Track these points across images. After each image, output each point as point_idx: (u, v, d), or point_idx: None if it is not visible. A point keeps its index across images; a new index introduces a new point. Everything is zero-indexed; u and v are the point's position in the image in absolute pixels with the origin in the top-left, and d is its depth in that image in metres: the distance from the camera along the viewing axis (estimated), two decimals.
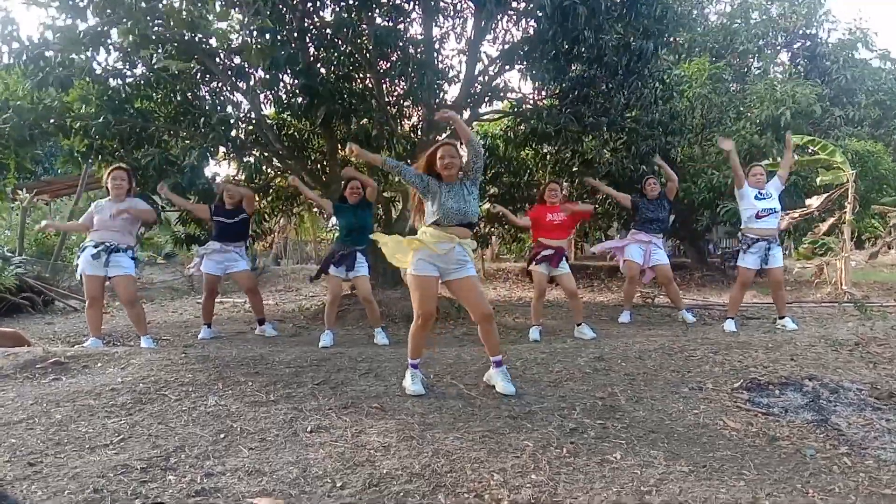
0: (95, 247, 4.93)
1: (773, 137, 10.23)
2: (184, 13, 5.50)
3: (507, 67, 7.93)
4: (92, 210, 5.12)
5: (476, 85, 7.81)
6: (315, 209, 10.95)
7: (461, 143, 3.51)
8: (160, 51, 6.08)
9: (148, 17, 5.57)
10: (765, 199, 5.41)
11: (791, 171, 8.97)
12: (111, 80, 6.54)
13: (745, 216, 5.52)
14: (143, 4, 5.39)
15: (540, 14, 6.14)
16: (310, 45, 6.95)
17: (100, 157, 6.95)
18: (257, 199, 8.78)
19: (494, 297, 9.78)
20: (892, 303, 7.46)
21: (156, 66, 6.07)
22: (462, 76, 7.72)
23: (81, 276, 5.03)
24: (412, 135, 8.61)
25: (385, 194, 8.56)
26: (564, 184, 8.93)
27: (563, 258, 5.53)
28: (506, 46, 7.86)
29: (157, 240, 14.14)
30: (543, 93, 8.24)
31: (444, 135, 7.54)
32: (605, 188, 6.74)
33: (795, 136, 9.15)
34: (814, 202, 8.84)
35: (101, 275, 4.97)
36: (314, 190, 8.38)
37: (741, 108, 11.00)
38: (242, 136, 7.65)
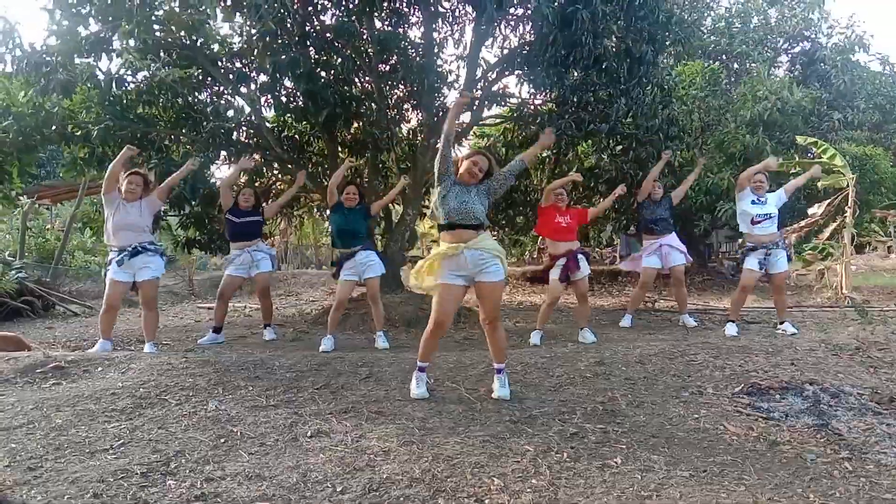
0: (119, 254, 4.90)
1: (764, 136, 10.23)
2: (184, 17, 5.52)
3: (507, 73, 7.95)
4: (117, 200, 4.96)
5: (476, 90, 7.83)
6: (316, 213, 10.95)
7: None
8: (161, 56, 6.10)
9: (147, 23, 5.59)
10: (760, 204, 5.42)
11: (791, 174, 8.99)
12: (113, 86, 6.56)
13: (742, 222, 5.55)
14: (145, 10, 5.41)
15: (540, 22, 6.15)
16: (311, 48, 6.97)
17: (101, 163, 6.96)
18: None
19: None
20: (893, 307, 7.45)
21: (157, 77, 6.08)
22: (462, 81, 7.74)
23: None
24: (411, 138, 8.63)
25: None
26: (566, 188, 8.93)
27: (581, 257, 5.47)
28: (505, 52, 7.88)
29: (158, 245, 14.16)
30: (543, 98, 8.25)
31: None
32: (654, 172, 6.38)
33: (800, 136, 9.17)
34: (817, 210, 8.83)
35: (128, 281, 4.93)
36: (314, 193, 8.43)
37: (734, 111, 11.02)
38: (243, 140, 7.67)
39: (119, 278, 4.89)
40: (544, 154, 9.72)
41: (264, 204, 6.16)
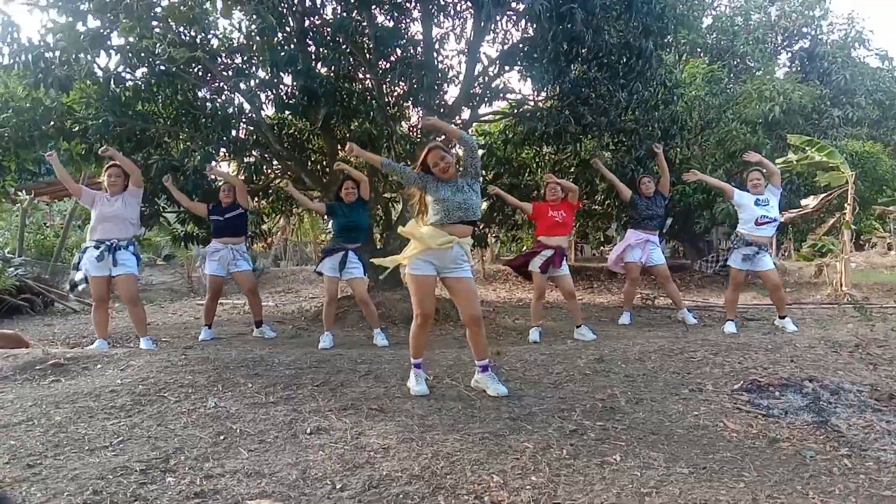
0: (97, 247, 4.91)
1: (764, 135, 10.23)
2: (184, 8, 5.50)
3: (507, 68, 7.93)
4: (94, 196, 5.02)
5: (476, 86, 7.81)
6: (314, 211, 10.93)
7: (453, 143, 3.54)
8: (162, 45, 6.08)
9: (147, 18, 5.56)
10: (763, 205, 5.43)
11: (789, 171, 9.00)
12: (112, 83, 6.54)
13: (743, 221, 5.55)
14: (143, 2, 5.39)
15: (539, 15, 6.13)
16: (310, 44, 6.95)
17: (99, 159, 6.94)
18: (256, 200, 8.79)
19: (494, 299, 9.78)
20: (892, 304, 7.45)
21: (158, 62, 6.05)
22: (462, 77, 7.72)
23: (85, 276, 5.02)
24: (411, 135, 8.61)
25: (385, 195, 8.55)
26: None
27: (563, 258, 5.54)
28: (505, 47, 7.86)
29: (157, 241, 14.14)
30: (543, 93, 8.23)
31: (443, 136, 7.54)
32: (609, 175, 6.64)
33: (793, 136, 9.17)
34: (810, 202, 8.85)
35: (105, 275, 4.96)
36: (314, 191, 8.41)
37: (737, 109, 11.01)
38: (243, 137, 7.65)
39: (96, 273, 4.93)
40: (544, 150, 9.71)
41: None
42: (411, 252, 3.44)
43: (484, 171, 9.31)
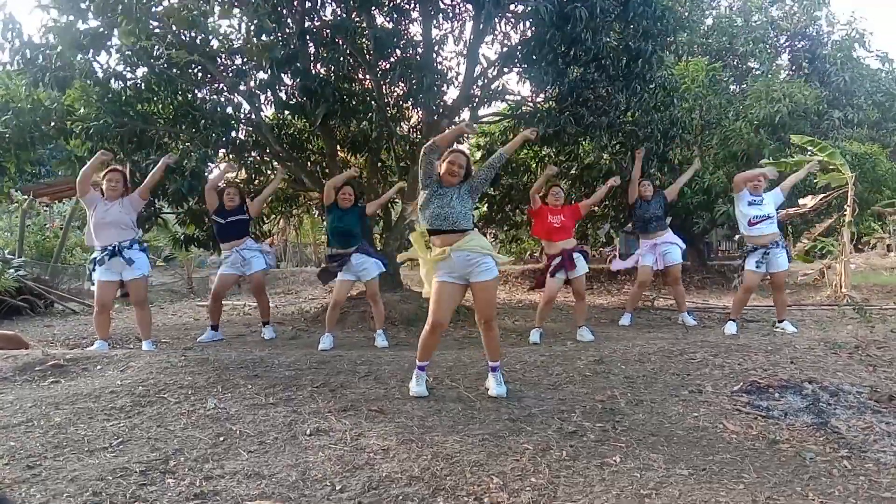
0: (102, 252, 4.89)
1: (767, 136, 10.24)
2: (184, 11, 5.51)
3: (506, 70, 7.94)
4: (96, 200, 4.96)
5: (475, 87, 7.82)
6: (315, 212, 10.92)
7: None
8: (162, 46, 6.08)
9: (146, 19, 5.57)
10: (756, 205, 5.39)
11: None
12: (112, 82, 6.54)
13: (740, 223, 5.55)
14: (144, 3, 5.39)
15: (540, 18, 6.14)
16: (310, 45, 6.96)
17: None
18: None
19: None
20: (892, 306, 7.45)
21: (158, 60, 6.05)
22: (461, 78, 7.73)
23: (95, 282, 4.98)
24: (411, 136, 8.62)
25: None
26: (563, 186, 8.94)
27: (578, 256, 5.45)
28: (504, 49, 7.87)
29: (157, 242, 14.13)
30: (542, 95, 8.24)
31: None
32: (637, 170, 6.42)
33: (795, 135, 9.17)
34: (808, 202, 8.84)
35: (115, 279, 4.92)
36: (312, 191, 8.42)
37: (740, 109, 11.00)
38: (242, 138, 7.65)
39: (105, 278, 4.88)
40: (544, 152, 9.72)
41: (248, 201, 6.09)
42: (430, 275, 3.52)
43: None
